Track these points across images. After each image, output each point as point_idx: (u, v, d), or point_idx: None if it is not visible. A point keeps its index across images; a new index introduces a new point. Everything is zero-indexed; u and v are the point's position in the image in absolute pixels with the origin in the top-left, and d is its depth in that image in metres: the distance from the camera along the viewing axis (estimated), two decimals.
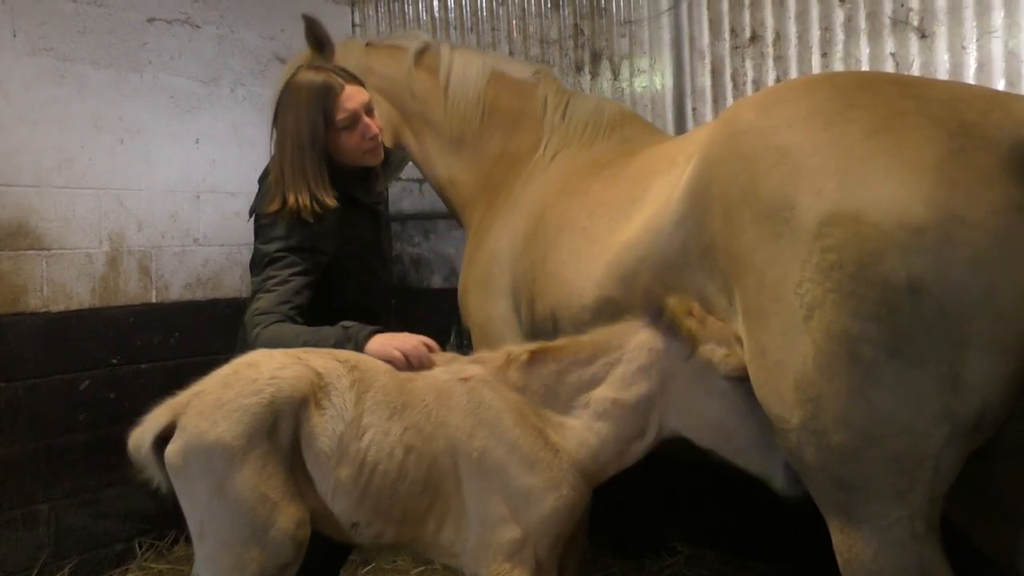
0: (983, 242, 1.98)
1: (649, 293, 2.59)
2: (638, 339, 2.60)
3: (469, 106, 3.71)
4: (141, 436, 2.52)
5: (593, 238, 2.91)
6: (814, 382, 2.13)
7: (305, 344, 2.77)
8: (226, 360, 2.66)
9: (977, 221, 1.98)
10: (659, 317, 2.51)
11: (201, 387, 2.58)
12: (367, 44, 3.94)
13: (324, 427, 2.52)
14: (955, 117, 2.10)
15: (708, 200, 2.42)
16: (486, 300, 3.41)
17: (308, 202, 3.03)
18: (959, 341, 2.00)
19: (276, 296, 2.95)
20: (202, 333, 4.93)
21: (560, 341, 2.75)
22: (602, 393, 2.61)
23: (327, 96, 3.12)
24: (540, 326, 3.07)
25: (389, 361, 2.69)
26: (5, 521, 4.21)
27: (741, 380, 2.41)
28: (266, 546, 2.44)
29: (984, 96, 2.21)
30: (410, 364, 2.69)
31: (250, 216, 3.25)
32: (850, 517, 2.18)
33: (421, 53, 3.81)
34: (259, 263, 3.06)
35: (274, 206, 3.05)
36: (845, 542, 2.21)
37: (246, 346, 3.12)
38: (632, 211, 2.79)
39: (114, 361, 4.62)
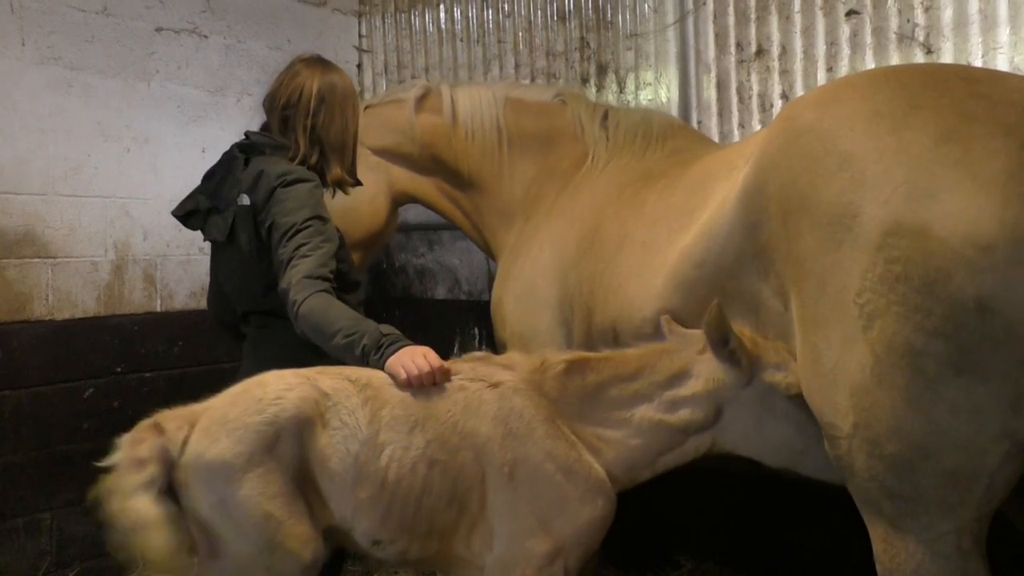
0: None
1: (707, 307, 2.50)
2: (699, 367, 2.56)
3: (487, 136, 3.69)
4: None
5: (654, 251, 2.87)
6: (870, 391, 2.11)
7: (337, 332, 2.75)
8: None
9: None
10: (722, 346, 2.47)
11: (211, 403, 2.57)
12: (365, 107, 3.85)
13: (335, 447, 2.48)
14: None
15: (765, 200, 2.38)
16: (529, 311, 3.36)
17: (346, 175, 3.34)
18: None
19: (315, 260, 2.95)
20: (206, 342, 4.92)
21: (603, 353, 2.71)
22: (648, 413, 2.57)
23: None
24: (598, 339, 3.01)
25: (393, 377, 2.64)
26: (7, 529, 4.20)
27: (802, 398, 2.38)
28: (273, 566, 2.40)
29: None
30: (410, 384, 2.62)
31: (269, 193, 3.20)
32: (896, 527, 2.16)
33: (422, 99, 3.78)
34: (285, 233, 3.04)
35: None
36: (888, 551, 2.19)
37: (258, 347, 3.15)
38: (691, 221, 2.75)
39: (118, 369, 4.62)
